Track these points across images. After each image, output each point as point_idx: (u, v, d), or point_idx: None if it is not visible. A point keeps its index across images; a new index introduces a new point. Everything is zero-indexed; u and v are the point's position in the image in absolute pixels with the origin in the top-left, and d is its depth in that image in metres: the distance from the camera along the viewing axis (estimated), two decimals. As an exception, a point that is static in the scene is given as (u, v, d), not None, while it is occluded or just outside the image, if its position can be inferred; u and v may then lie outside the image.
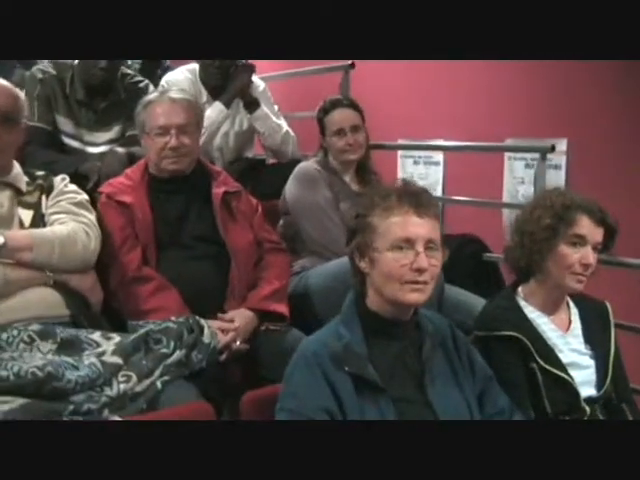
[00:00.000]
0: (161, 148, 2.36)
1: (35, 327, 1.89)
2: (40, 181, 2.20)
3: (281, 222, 2.93)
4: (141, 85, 3.09)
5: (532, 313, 2.02)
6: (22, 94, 2.17)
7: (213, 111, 3.17)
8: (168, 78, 3.29)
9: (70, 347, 1.88)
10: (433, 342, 1.73)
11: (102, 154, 2.96)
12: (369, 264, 1.69)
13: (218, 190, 2.44)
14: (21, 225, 2.07)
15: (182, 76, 3.28)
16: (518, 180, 4.40)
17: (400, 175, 4.94)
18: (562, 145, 4.02)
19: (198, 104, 2.56)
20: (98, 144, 3.00)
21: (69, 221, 2.09)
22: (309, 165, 2.91)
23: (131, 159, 2.83)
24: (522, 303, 2.05)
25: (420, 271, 1.63)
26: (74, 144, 2.98)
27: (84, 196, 2.23)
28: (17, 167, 2.19)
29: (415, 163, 5.05)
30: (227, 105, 3.20)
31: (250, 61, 3.23)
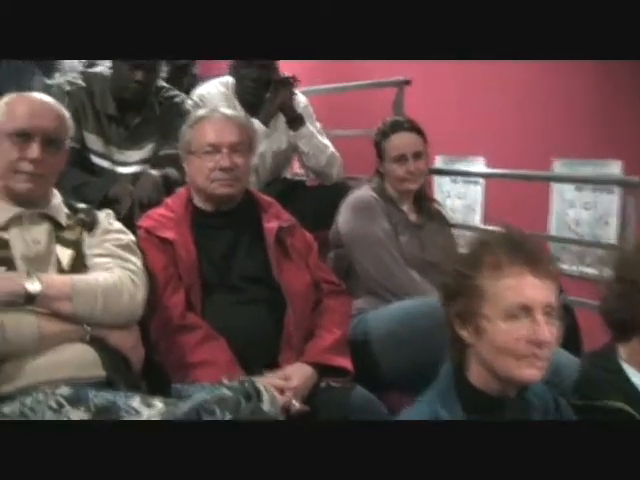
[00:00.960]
0: (211, 169, 2.09)
1: (65, 391, 1.59)
2: (82, 215, 1.92)
3: (331, 255, 2.64)
4: (177, 100, 2.81)
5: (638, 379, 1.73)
6: (66, 112, 1.89)
7: None
8: (200, 92, 3.00)
9: (105, 416, 1.58)
10: (539, 417, 1.49)
11: (133, 175, 2.70)
12: (474, 334, 1.43)
13: (270, 225, 2.15)
14: (59, 266, 1.79)
15: (215, 90, 3.00)
16: (568, 203, 4.11)
17: (436, 194, 4.64)
18: (615, 168, 3.75)
19: (252, 124, 2.27)
20: (129, 164, 2.73)
21: (114, 267, 1.80)
22: (365, 193, 2.62)
23: (166, 182, 2.56)
24: (625, 366, 1.76)
25: (541, 344, 1.37)
26: (103, 164, 2.70)
27: (131, 237, 1.95)
28: (57, 196, 1.92)
29: (453, 181, 4.77)
30: (266, 123, 2.91)
31: (290, 74, 2.94)
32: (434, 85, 4.03)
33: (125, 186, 2.51)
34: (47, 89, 3.64)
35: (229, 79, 3.03)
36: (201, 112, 2.16)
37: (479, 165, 4.62)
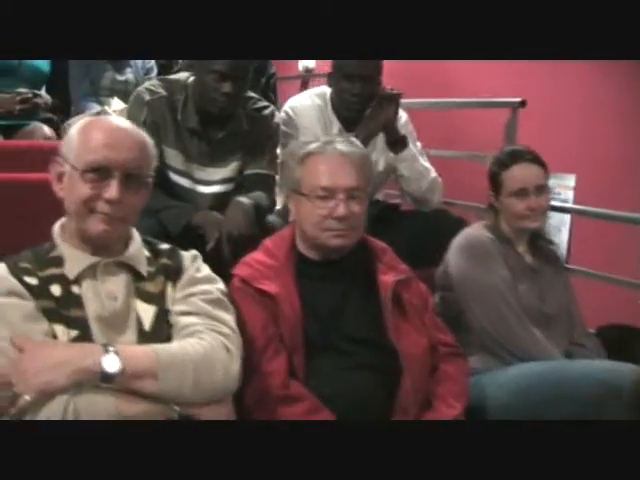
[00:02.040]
0: (323, 216, 1.77)
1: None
2: (164, 260, 1.61)
3: (436, 299, 2.31)
4: (266, 112, 2.49)
5: None
6: (150, 141, 1.58)
7: None
8: (293, 104, 2.68)
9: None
10: None
11: (215, 196, 2.41)
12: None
13: (386, 278, 1.83)
14: (139, 328, 1.50)
15: (310, 102, 2.68)
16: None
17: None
18: None
19: (370, 160, 1.94)
20: (211, 182, 2.43)
21: (204, 330, 1.50)
22: (480, 233, 2.28)
23: (257, 211, 2.26)
24: None
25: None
26: (182, 182, 2.40)
27: (221, 286, 1.63)
28: (136, 238, 1.62)
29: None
30: (365, 143, 2.57)
31: (395, 89, 2.59)
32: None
33: (211, 215, 2.21)
34: (118, 85, 3.40)
35: (325, 90, 2.70)
36: (313, 146, 1.83)
37: (570, 181, 4.28)
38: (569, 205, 3.83)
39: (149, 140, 1.58)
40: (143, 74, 3.50)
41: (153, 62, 3.60)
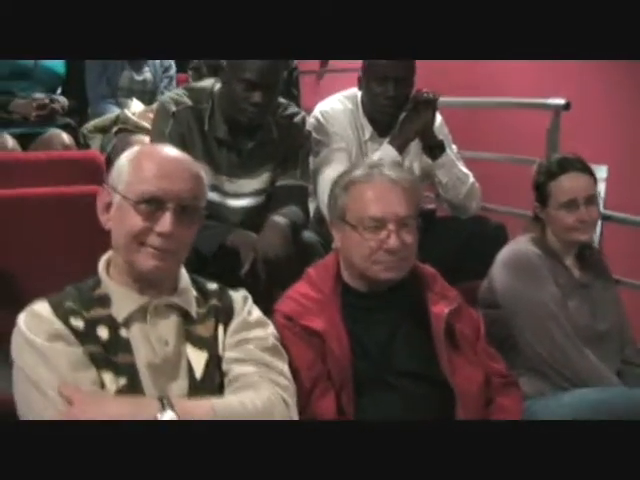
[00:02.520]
0: (373, 248, 1.65)
1: None
2: (214, 301, 1.50)
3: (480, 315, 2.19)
4: (297, 120, 2.37)
5: None
6: (202, 171, 1.48)
7: (382, 158, 2.42)
8: (323, 109, 2.54)
9: None
10: None
11: (246, 209, 2.30)
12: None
13: (438, 309, 1.72)
14: (191, 375, 1.40)
15: (340, 106, 2.54)
16: None
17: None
18: None
19: (418, 182, 1.82)
20: (242, 195, 2.32)
21: (261, 382, 1.39)
22: (526, 248, 2.16)
23: (293, 229, 2.14)
24: None
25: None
26: (211, 196, 2.25)
27: (273, 330, 1.53)
28: (185, 277, 1.51)
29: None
30: (401, 149, 2.45)
31: (432, 92, 2.46)
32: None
33: (246, 235, 2.10)
34: (136, 85, 3.28)
35: (356, 93, 2.57)
36: (358, 173, 1.70)
37: (602, 172, 4.13)
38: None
39: (202, 171, 1.47)
40: (161, 72, 3.37)
41: (171, 60, 3.46)
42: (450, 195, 2.57)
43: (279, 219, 2.12)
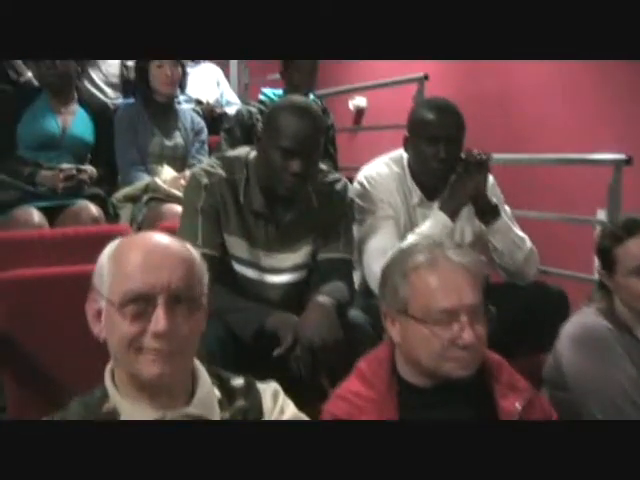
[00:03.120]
0: (444, 345, 1.44)
1: None
2: (240, 401, 1.30)
3: (544, 394, 1.98)
4: (338, 187, 2.19)
5: None
6: (197, 255, 1.28)
7: (434, 226, 2.24)
8: (369, 174, 2.36)
9: None
10: None
11: (286, 286, 2.13)
12: None
13: (508, 404, 1.51)
14: None
15: (387, 170, 2.36)
16: None
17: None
18: None
19: (482, 263, 1.63)
20: (281, 270, 2.14)
21: None
22: (595, 322, 1.95)
23: (339, 310, 1.96)
24: None
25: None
26: (248, 273, 2.11)
27: None
28: (204, 377, 1.31)
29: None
30: (453, 216, 2.26)
31: (483, 153, 2.27)
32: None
33: (287, 318, 1.91)
34: (167, 150, 3.15)
35: (401, 155, 2.39)
36: (420, 258, 1.51)
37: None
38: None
39: (195, 254, 1.28)
40: (192, 136, 3.24)
41: (203, 123, 3.33)
42: (506, 262, 2.36)
43: (324, 299, 1.93)
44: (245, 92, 4.73)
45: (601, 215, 3.10)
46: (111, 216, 2.85)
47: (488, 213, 2.30)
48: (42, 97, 2.97)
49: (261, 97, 3.46)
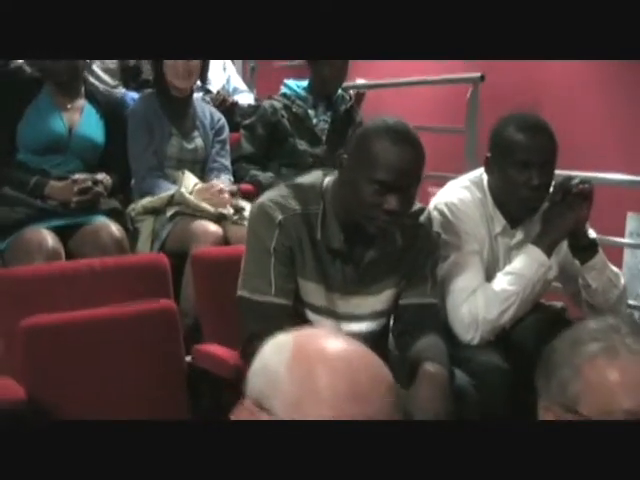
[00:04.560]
0: None
1: None
2: None
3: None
4: (423, 219, 1.89)
5: None
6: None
7: (529, 265, 1.96)
8: (449, 200, 2.04)
9: None
10: None
11: (366, 336, 1.82)
12: None
13: None
14: None
15: (469, 196, 2.05)
16: None
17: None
18: None
19: None
20: (359, 317, 1.85)
21: None
22: None
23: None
24: None
25: None
26: (324, 323, 1.80)
27: None
28: None
29: None
30: (550, 253, 1.98)
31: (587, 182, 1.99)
32: None
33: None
34: (187, 154, 2.77)
35: (481, 177, 2.09)
36: (595, 347, 1.21)
37: None
38: None
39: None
40: (212, 136, 2.86)
41: (223, 120, 2.95)
42: (598, 301, 2.09)
43: (435, 370, 1.63)
44: (252, 78, 4.32)
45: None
46: (129, 232, 2.48)
47: (585, 251, 2.03)
48: (44, 91, 2.56)
49: (285, 90, 3.10)
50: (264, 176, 2.92)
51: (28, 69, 2.72)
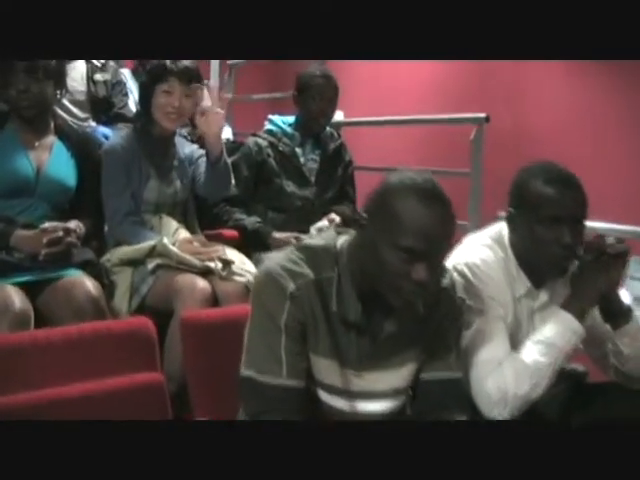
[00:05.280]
0: None
1: None
2: None
3: None
4: (446, 283, 1.68)
5: None
6: None
7: (561, 333, 1.77)
8: (471, 261, 1.83)
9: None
10: None
11: (385, 417, 1.62)
12: None
13: None
14: None
15: (492, 256, 1.85)
16: None
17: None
18: None
19: None
20: (377, 396, 1.64)
21: None
22: None
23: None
24: None
25: None
26: (337, 404, 1.61)
27: None
28: None
29: None
30: (582, 318, 1.80)
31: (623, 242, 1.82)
32: None
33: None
34: (166, 198, 2.54)
35: (502, 232, 1.91)
36: None
37: None
38: None
39: None
40: (190, 179, 2.62)
41: (201, 152, 2.69)
42: (629, 368, 1.92)
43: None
44: (229, 110, 4.07)
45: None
46: (105, 285, 2.22)
47: (618, 317, 1.86)
48: (9, 127, 2.31)
49: (270, 126, 2.90)
50: (249, 220, 2.70)
51: None
